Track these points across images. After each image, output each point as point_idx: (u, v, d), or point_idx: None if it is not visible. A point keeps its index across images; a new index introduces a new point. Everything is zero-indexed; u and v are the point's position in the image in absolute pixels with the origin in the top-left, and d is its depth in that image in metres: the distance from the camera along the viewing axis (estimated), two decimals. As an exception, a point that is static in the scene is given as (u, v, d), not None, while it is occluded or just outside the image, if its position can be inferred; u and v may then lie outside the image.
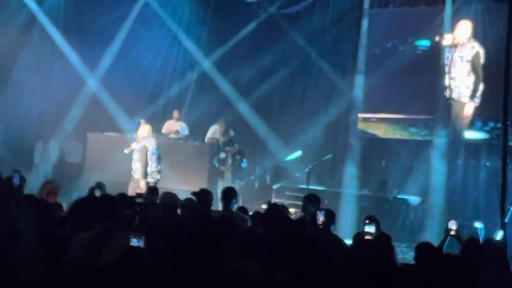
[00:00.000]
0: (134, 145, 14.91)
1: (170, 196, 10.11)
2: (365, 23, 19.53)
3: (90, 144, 19.24)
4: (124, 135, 18.42)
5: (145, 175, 14.42)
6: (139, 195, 9.58)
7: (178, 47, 21.13)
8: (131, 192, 13.08)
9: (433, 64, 18.13)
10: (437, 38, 18.00)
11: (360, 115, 19.59)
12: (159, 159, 14.71)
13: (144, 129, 14.82)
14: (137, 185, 14.26)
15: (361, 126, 19.61)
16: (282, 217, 8.40)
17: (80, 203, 8.30)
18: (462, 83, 17.62)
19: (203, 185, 15.80)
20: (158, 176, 14.70)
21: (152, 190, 11.14)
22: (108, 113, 19.98)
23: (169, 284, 5.18)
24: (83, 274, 6.11)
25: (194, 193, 9.91)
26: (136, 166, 14.49)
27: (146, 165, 14.38)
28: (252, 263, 5.91)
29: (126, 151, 15.03)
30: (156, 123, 18.66)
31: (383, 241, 7.32)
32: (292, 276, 5.26)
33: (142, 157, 14.40)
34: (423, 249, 7.07)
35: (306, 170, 17.61)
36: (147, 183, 14.31)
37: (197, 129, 18.98)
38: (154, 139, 14.99)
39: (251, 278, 5.54)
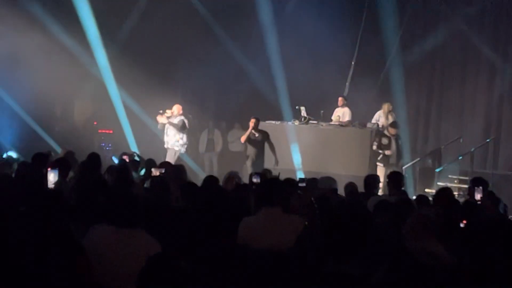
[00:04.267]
0: (163, 120, 16.50)
1: (331, 181, 10.27)
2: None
3: (252, 133, 19.31)
4: (285, 123, 18.62)
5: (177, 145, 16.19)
6: (301, 180, 9.76)
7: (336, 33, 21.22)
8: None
9: None
10: None
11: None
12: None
13: (179, 107, 16.46)
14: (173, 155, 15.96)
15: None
16: (450, 200, 8.38)
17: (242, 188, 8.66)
18: None
19: (365, 170, 15.88)
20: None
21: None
22: (269, 101, 20.30)
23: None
24: (251, 257, 6.33)
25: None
26: (177, 138, 16.06)
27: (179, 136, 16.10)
28: (434, 242, 5.93)
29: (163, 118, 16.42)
30: (316, 110, 18.86)
31: None
32: (472, 260, 5.24)
33: (180, 130, 16.09)
34: None
35: (470, 152, 17.39)
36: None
37: (358, 114, 18.96)
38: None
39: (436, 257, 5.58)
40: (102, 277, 5.27)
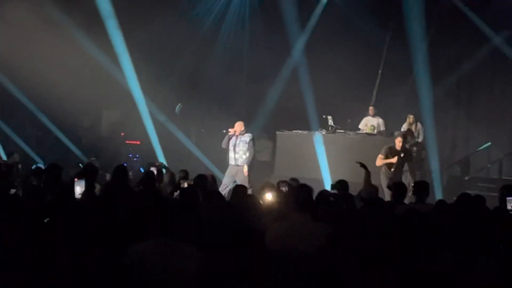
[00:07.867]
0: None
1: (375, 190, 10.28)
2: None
3: (279, 142, 19.21)
4: (313, 133, 18.58)
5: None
6: (333, 187, 9.77)
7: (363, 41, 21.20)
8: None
9: None
10: None
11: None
12: None
13: (242, 124, 15.51)
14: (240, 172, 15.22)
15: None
16: (478, 208, 8.28)
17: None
18: None
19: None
20: None
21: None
22: (295, 110, 20.28)
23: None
24: (279, 262, 6.33)
25: (388, 187, 10.01)
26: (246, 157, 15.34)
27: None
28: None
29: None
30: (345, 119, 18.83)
31: None
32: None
33: (251, 147, 15.32)
34: None
35: (498, 160, 17.26)
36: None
37: (385, 123, 18.90)
38: None
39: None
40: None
